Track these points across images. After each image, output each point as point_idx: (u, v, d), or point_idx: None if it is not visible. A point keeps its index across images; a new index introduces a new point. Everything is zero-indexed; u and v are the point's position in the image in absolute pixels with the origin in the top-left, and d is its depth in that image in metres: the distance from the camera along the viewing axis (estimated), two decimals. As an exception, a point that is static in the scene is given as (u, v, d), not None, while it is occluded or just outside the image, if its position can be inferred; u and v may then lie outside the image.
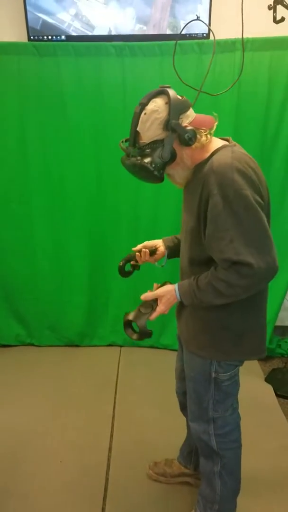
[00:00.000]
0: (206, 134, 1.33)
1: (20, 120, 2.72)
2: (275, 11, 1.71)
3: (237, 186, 1.21)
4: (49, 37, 2.61)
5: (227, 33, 2.35)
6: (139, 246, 1.69)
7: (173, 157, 1.31)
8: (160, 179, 1.34)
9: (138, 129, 1.31)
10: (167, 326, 3.06)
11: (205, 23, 2.30)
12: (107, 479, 1.98)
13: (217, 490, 1.60)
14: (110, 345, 3.20)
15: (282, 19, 1.70)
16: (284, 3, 1.72)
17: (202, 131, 1.32)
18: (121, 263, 1.69)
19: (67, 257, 3.00)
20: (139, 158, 1.30)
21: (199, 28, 2.54)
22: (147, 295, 1.44)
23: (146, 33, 2.59)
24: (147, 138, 1.31)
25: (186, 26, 1.65)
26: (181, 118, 1.29)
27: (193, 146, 1.31)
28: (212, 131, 1.35)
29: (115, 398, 2.59)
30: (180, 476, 1.94)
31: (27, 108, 2.69)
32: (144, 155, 1.30)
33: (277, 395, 2.61)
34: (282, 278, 2.87)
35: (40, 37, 2.61)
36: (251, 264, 1.21)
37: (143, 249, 1.66)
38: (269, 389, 2.67)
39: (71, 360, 3.04)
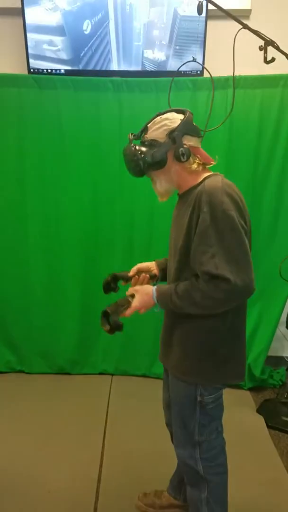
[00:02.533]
0: (199, 163, 1.44)
1: (19, 149, 2.79)
2: (265, 52, 1.78)
3: (225, 206, 1.31)
4: (49, 71, 2.71)
5: (220, 71, 2.44)
6: (134, 269, 1.73)
7: (162, 162, 1.42)
8: (140, 171, 1.45)
9: (148, 125, 1.47)
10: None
11: (201, 64, 2.39)
12: (95, 510, 1.94)
13: None
14: (101, 373, 3.17)
15: (273, 60, 1.77)
16: (275, 44, 1.80)
17: (197, 159, 1.44)
18: (109, 278, 1.71)
19: (61, 284, 3.01)
20: (135, 145, 1.44)
21: (193, 66, 2.64)
22: (128, 291, 1.53)
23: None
24: (150, 135, 1.45)
25: (174, 62, 1.74)
26: (185, 137, 1.42)
27: (184, 165, 1.43)
28: (206, 166, 1.48)
29: (105, 427, 2.55)
30: (169, 507, 1.90)
31: (26, 139, 2.77)
32: (140, 145, 1.45)
33: (268, 427, 2.59)
34: (275, 308, 2.89)
35: (40, 70, 2.70)
36: (228, 279, 1.28)
37: (143, 274, 1.69)
38: (260, 420, 2.65)
39: (61, 388, 3.01)
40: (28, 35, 2.62)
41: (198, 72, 2.67)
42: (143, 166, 1.43)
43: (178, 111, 1.47)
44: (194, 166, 1.44)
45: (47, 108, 2.71)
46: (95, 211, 2.90)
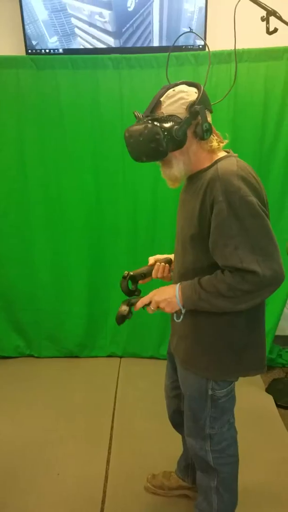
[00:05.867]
0: (218, 141, 1.33)
1: (19, 132, 2.75)
2: (268, 23, 1.70)
3: (243, 193, 1.19)
4: (47, 51, 2.64)
5: (224, 44, 2.37)
6: (151, 260, 1.61)
7: (183, 141, 1.27)
8: (162, 152, 1.25)
9: (161, 99, 1.28)
10: (167, 336, 3.04)
11: (198, 35, 2.31)
12: (104, 492, 1.96)
13: (214, 505, 1.57)
14: (109, 356, 3.19)
15: (275, 30, 1.70)
16: (277, 14, 1.73)
17: (215, 136, 1.33)
18: (126, 282, 1.53)
19: (67, 267, 3.00)
20: (153, 122, 1.23)
21: (195, 40, 2.56)
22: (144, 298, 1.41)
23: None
24: (166, 111, 1.27)
25: (180, 37, 1.68)
26: (206, 111, 1.28)
27: (202, 144, 1.31)
28: (221, 145, 1.36)
29: (114, 409, 2.57)
30: (178, 489, 1.91)
31: (26, 121, 2.72)
32: (159, 121, 1.24)
33: (278, 406, 2.59)
34: (282, 287, 2.84)
35: (38, 51, 2.64)
36: (256, 272, 1.18)
37: (162, 264, 1.57)
38: (269, 399, 2.65)
39: (70, 371, 3.03)
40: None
41: (200, 46, 2.59)
42: (166, 145, 1.23)
43: (189, 84, 1.30)
44: (215, 144, 1.31)
45: (46, 89, 2.65)
46: (98, 194, 2.86)
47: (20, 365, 3.11)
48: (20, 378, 2.94)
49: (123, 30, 2.59)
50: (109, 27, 2.60)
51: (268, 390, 2.74)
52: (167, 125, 1.23)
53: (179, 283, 1.36)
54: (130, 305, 1.44)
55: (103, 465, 2.13)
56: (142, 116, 1.29)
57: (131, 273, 1.53)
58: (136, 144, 1.27)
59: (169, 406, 1.78)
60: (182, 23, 2.55)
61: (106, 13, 2.57)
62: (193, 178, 1.37)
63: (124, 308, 1.43)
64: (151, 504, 1.90)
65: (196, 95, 1.27)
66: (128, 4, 2.52)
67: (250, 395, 2.68)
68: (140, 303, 1.40)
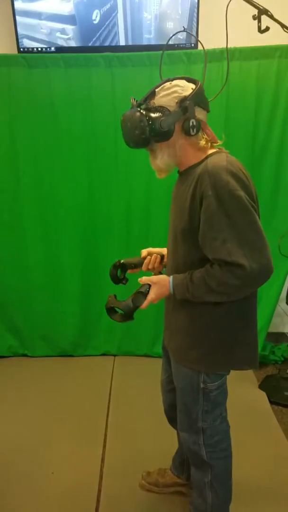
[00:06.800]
0: (207, 140, 1.34)
1: (11, 130, 2.74)
2: (259, 21, 1.71)
3: (231, 187, 1.21)
4: (39, 49, 2.63)
5: (216, 43, 2.37)
6: (144, 252, 1.64)
7: (168, 133, 1.29)
8: (145, 140, 1.29)
9: (157, 89, 1.33)
10: (161, 334, 3.04)
11: (192, 34, 2.32)
12: (99, 490, 1.97)
13: (208, 500, 1.58)
14: (103, 354, 3.19)
15: (267, 29, 1.71)
16: (269, 13, 1.74)
17: (205, 135, 1.34)
18: (115, 269, 1.58)
19: (60, 266, 3.00)
20: (140, 110, 1.28)
21: (188, 38, 2.56)
22: (142, 279, 1.42)
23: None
24: (158, 102, 1.31)
25: (173, 36, 1.70)
26: (196, 108, 1.30)
27: (191, 140, 1.33)
28: (212, 144, 1.38)
29: (108, 408, 2.57)
30: (173, 486, 1.92)
31: (18, 119, 2.71)
32: (146, 110, 1.29)
33: (271, 402, 2.61)
34: (275, 284, 2.87)
35: (30, 49, 2.63)
36: (243, 265, 1.20)
37: (155, 254, 1.60)
38: (262, 396, 2.66)
39: (64, 370, 3.02)
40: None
41: (193, 44, 2.59)
42: (149, 134, 1.27)
43: (189, 80, 1.34)
44: (202, 142, 1.32)
45: (38, 87, 2.65)
46: (91, 192, 2.86)
47: (14, 365, 3.11)
48: (14, 378, 2.94)
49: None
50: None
51: (261, 387, 2.76)
52: (154, 115, 1.27)
53: (172, 279, 1.38)
54: (114, 310, 1.46)
55: (98, 463, 2.13)
56: (136, 103, 1.33)
57: (122, 261, 1.57)
58: (125, 129, 1.32)
59: (165, 401, 1.80)
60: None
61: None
62: (184, 173, 1.39)
63: (119, 319, 1.47)
64: (146, 502, 1.90)
65: (192, 91, 1.30)
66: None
67: (243, 392, 2.69)
68: (146, 304, 1.40)
